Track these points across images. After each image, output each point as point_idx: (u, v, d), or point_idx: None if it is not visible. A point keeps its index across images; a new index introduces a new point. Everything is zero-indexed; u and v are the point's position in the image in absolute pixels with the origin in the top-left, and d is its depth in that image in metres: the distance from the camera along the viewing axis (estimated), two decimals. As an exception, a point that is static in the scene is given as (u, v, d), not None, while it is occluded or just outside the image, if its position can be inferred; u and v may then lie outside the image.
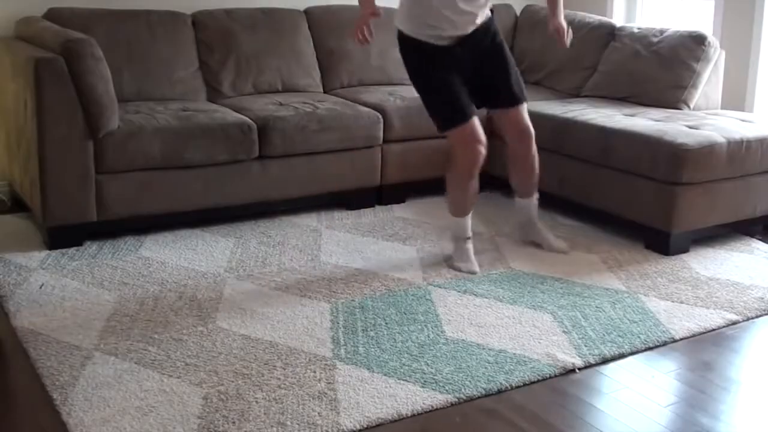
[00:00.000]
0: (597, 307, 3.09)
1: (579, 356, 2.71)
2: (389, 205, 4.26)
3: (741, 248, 3.77)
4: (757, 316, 3.09)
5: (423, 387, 2.49)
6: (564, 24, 3.47)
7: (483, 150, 3.29)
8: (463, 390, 2.48)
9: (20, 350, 2.67)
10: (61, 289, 3.11)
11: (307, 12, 4.63)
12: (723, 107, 4.38)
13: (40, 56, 3.36)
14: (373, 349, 2.71)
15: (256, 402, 2.38)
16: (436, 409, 2.40)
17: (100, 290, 3.12)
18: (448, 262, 3.45)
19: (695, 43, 4.20)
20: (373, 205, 4.23)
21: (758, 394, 2.59)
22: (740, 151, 3.65)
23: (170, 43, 4.17)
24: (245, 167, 3.80)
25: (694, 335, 2.92)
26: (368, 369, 2.58)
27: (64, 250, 3.48)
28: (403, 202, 4.31)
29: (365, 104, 4.21)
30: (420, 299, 3.12)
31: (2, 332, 2.80)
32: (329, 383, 2.49)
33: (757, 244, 3.82)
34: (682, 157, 3.51)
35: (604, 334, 2.87)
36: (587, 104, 4.27)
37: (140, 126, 3.56)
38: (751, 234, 3.93)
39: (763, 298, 3.22)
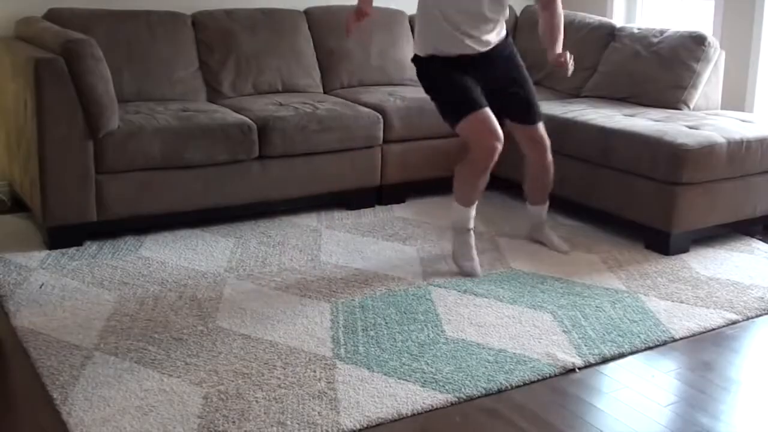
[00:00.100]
0: (597, 306, 3.09)
1: (579, 356, 2.71)
2: (389, 205, 4.26)
3: (741, 248, 3.77)
4: (757, 316, 3.09)
5: (423, 386, 2.49)
6: (564, 55, 3.38)
7: (499, 145, 3.23)
8: (463, 389, 2.48)
9: (20, 350, 2.67)
10: (61, 289, 3.11)
11: (307, 12, 4.63)
12: (723, 107, 4.38)
13: (40, 56, 3.36)
14: (373, 349, 2.71)
15: (256, 401, 2.38)
16: (436, 408, 2.40)
17: (100, 290, 3.12)
18: (452, 257, 3.43)
19: (695, 43, 4.20)
20: (373, 205, 4.23)
21: (758, 394, 2.59)
22: (740, 151, 3.65)
23: (170, 44, 4.17)
24: (245, 167, 3.81)
25: (694, 335, 2.92)
26: (368, 368, 2.58)
27: (64, 250, 3.48)
28: (403, 202, 4.32)
29: (365, 104, 4.21)
30: (420, 299, 3.12)
31: (2, 332, 2.80)
32: (329, 383, 2.49)
33: (757, 244, 3.82)
34: (682, 157, 3.51)
35: (604, 334, 2.87)
36: (587, 104, 4.27)
37: (140, 126, 3.56)
38: (751, 234, 3.93)
39: (763, 298, 3.23)
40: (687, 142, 3.54)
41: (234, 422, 2.27)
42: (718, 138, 3.61)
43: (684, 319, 3.01)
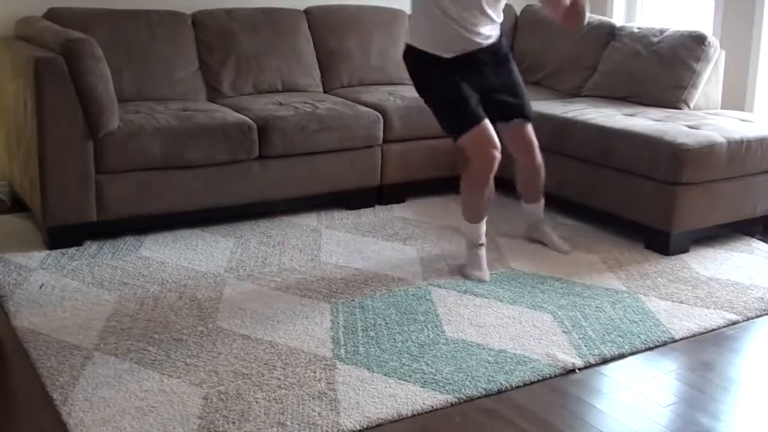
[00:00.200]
0: (597, 307, 3.09)
1: (579, 356, 2.71)
2: (389, 205, 4.26)
3: (741, 248, 3.77)
4: (757, 316, 3.09)
5: (423, 387, 2.49)
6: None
7: (497, 154, 3.25)
8: (463, 390, 2.48)
9: (20, 350, 2.67)
10: (61, 289, 3.11)
11: (307, 12, 4.63)
12: (723, 107, 4.38)
13: (40, 56, 3.36)
14: (373, 349, 2.71)
15: (256, 402, 2.38)
16: (436, 409, 2.40)
17: (100, 290, 3.12)
18: (461, 270, 3.39)
19: (695, 43, 4.19)
20: (373, 205, 4.23)
21: (758, 394, 2.59)
22: (740, 151, 3.65)
23: (170, 43, 4.17)
24: (245, 167, 3.80)
25: (694, 335, 2.92)
26: (368, 369, 2.58)
27: (64, 250, 3.48)
28: (403, 202, 4.31)
29: (365, 104, 4.21)
30: (420, 299, 3.12)
31: (2, 332, 2.80)
32: (329, 383, 2.49)
33: (757, 244, 3.82)
34: (682, 157, 3.51)
35: (604, 334, 2.87)
36: (587, 104, 4.27)
37: (140, 126, 3.56)
38: (751, 234, 3.93)
39: (763, 298, 3.22)
40: (687, 141, 3.54)
41: (234, 423, 2.27)
42: (718, 138, 3.61)
43: (684, 319, 3.01)
